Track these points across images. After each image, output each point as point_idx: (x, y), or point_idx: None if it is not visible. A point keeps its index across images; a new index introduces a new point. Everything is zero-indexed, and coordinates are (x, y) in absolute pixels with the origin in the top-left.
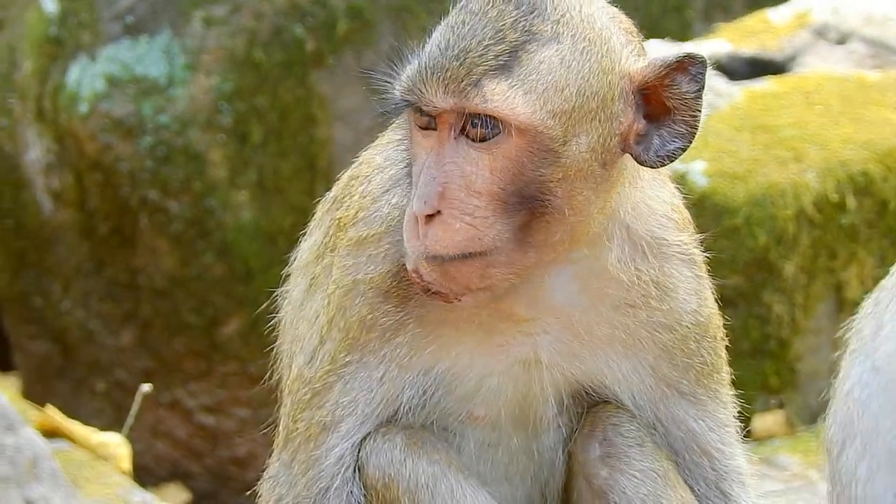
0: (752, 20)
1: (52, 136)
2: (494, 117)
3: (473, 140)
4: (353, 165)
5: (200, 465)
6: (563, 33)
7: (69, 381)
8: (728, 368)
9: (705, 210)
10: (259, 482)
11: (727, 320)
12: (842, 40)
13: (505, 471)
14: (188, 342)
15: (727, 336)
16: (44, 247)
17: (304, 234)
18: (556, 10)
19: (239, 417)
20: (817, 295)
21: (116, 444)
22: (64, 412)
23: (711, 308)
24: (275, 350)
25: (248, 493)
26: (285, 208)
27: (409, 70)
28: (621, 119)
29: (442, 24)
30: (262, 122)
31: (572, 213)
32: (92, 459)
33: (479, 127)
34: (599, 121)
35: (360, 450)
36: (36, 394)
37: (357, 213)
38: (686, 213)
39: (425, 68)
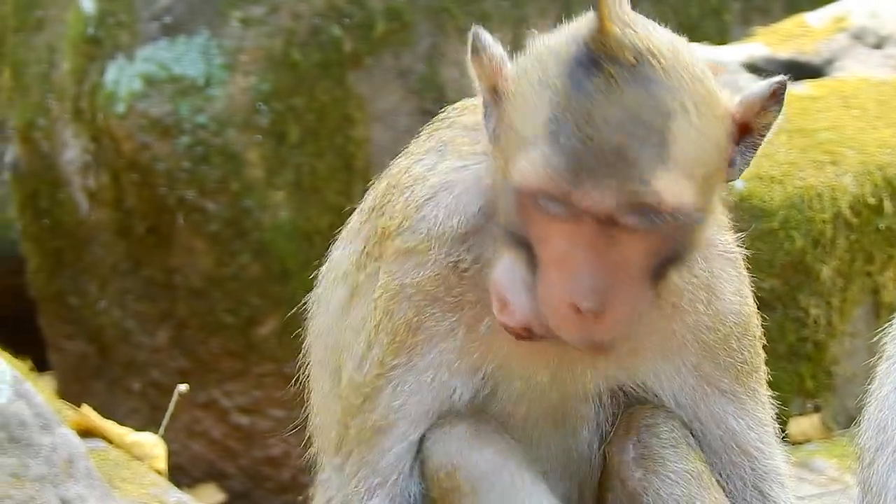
0: (790, 24)
1: (89, 136)
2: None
3: (628, 226)
4: (387, 174)
5: (235, 465)
6: (687, 101)
7: (105, 380)
8: (765, 368)
9: (742, 213)
10: (310, 491)
11: (763, 322)
12: (879, 44)
13: (542, 468)
14: (224, 342)
15: (763, 339)
16: (80, 246)
17: (336, 242)
18: (670, 77)
19: (274, 418)
20: (854, 298)
21: (152, 444)
22: (99, 412)
23: (751, 306)
24: (302, 355)
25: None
26: (322, 208)
27: (547, 165)
28: (728, 157)
29: (554, 107)
30: (300, 122)
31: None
32: (128, 459)
33: (639, 216)
34: (721, 170)
35: (421, 444)
36: (71, 393)
37: (402, 222)
38: (727, 213)
39: (577, 166)
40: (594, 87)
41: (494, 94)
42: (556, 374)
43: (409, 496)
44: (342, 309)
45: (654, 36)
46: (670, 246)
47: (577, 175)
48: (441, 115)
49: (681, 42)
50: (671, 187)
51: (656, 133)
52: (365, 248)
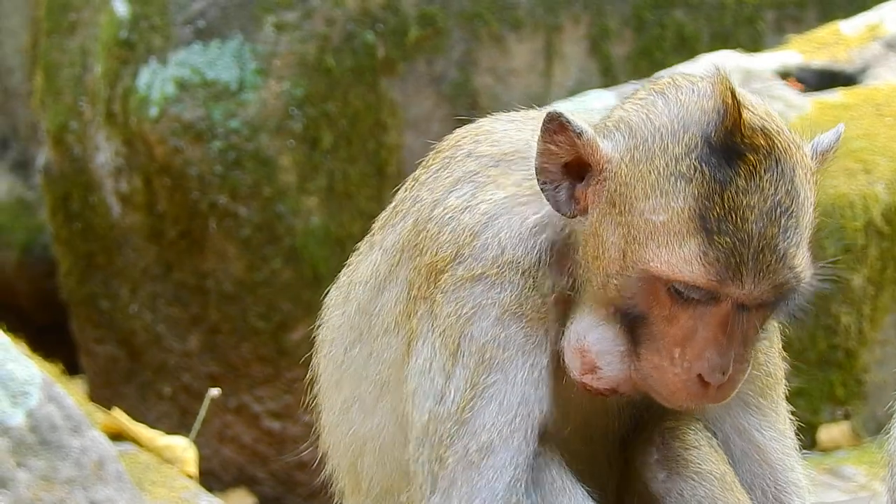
0: (824, 32)
1: (121, 140)
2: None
3: (766, 305)
4: (405, 211)
5: (266, 470)
6: (801, 173)
7: (135, 384)
8: (785, 382)
9: None
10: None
11: (794, 330)
12: None
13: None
14: (255, 347)
15: (794, 346)
16: (112, 250)
17: (354, 285)
18: (791, 153)
19: (305, 423)
20: (885, 306)
21: (183, 448)
22: (130, 416)
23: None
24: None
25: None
26: (354, 214)
27: (705, 262)
28: None
29: (699, 200)
30: (333, 127)
31: None
32: (158, 462)
33: (781, 296)
34: None
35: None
36: (102, 397)
37: (458, 251)
38: None
39: (735, 262)
40: (739, 178)
41: (571, 168)
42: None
43: None
44: (401, 359)
45: (764, 110)
46: (782, 306)
47: (735, 271)
48: (446, 146)
49: (768, 104)
50: (805, 263)
51: (794, 216)
52: (410, 292)
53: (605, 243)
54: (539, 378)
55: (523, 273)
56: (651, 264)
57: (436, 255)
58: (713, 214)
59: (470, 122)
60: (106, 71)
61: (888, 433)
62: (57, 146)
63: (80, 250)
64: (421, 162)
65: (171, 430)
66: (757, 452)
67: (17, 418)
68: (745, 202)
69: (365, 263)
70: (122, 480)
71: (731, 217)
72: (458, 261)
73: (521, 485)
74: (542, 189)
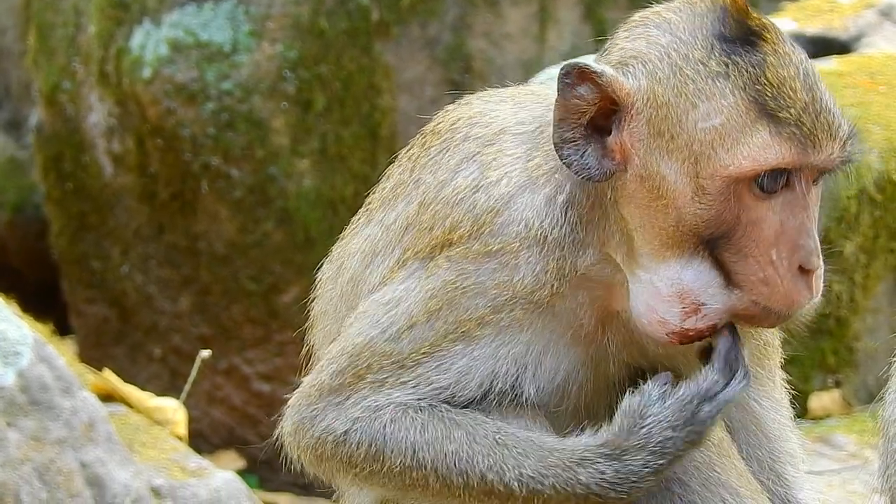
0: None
1: (114, 100)
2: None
3: (815, 183)
4: (410, 193)
5: (255, 432)
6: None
7: (126, 345)
8: (780, 351)
9: None
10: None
11: None
12: None
13: None
14: (246, 309)
15: None
16: (104, 210)
17: (356, 260)
18: (777, 27)
19: (296, 385)
20: (877, 274)
21: (173, 410)
22: (120, 377)
23: None
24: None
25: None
26: (347, 176)
27: (786, 139)
28: None
29: (748, 89)
30: (326, 90)
31: None
32: (148, 424)
33: (847, 157)
34: None
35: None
36: (92, 358)
37: (479, 228)
38: None
39: (808, 131)
40: (769, 56)
41: (594, 126)
42: (597, 366)
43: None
44: (373, 283)
45: None
46: (843, 170)
47: (811, 137)
48: (443, 128)
49: None
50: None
51: (819, 78)
52: (404, 256)
53: (664, 178)
54: (507, 356)
55: (546, 249)
56: (731, 168)
57: (448, 232)
58: (767, 95)
59: (463, 86)
60: (99, 31)
61: (882, 400)
62: (50, 106)
63: (71, 210)
64: (414, 141)
65: (161, 392)
66: (754, 423)
67: (8, 378)
68: (785, 74)
69: (360, 236)
70: (113, 441)
71: (783, 91)
72: (476, 235)
73: (422, 402)
74: (567, 163)
